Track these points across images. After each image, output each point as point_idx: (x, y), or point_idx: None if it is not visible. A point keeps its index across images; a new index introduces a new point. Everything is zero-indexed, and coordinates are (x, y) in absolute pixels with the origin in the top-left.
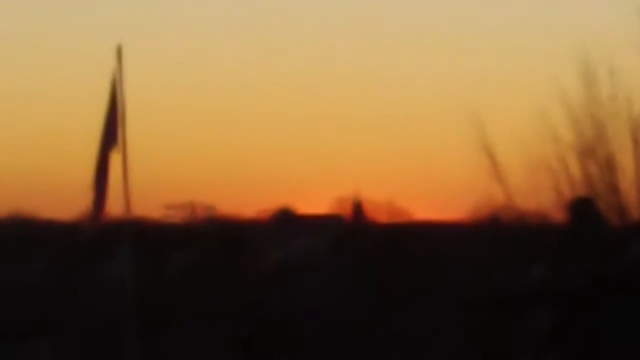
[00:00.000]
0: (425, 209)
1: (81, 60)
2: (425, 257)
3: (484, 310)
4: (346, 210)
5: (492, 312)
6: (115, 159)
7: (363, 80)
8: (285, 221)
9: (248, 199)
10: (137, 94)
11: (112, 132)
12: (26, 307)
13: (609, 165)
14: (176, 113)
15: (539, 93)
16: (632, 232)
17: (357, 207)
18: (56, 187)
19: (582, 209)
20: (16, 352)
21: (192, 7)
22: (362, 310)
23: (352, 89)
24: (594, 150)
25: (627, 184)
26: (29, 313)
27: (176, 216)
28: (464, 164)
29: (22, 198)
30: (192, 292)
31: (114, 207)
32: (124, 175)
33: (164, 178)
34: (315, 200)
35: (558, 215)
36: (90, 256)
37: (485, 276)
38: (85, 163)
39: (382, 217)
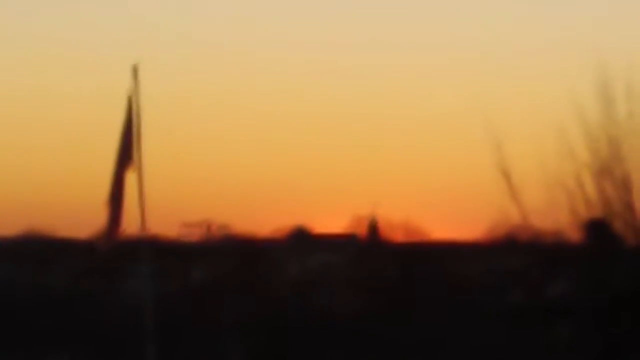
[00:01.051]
0: (442, 227)
1: (98, 79)
2: (441, 275)
3: (503, 325)
4: (362, 229)
5: (510, 327)
6: (131, 177)
7: (380, 99)
8: (301, 240)
9: (264, 217)
10: (153, 113)
11: (128, 151)
12: (46, 321)
13: (625, 185)
14: (192, 132)
15: (556, 112)
16: None
17: (373, 226)
18: (74, 205)
19: (598, 229)
20: None
21: (209, 28)
22: (378, 327)
23: (368, 108)
24: (610, 170)
25: None
26: (49, 327)
27: (192, 234)
28: (481, 182)
29: (39, 216)
30: (210, 307)
31: (131, 224)
32: (140, 193)
33: (180, 196)
34: (332, 219)
35: (573, 234)
36: (109, 272)
37: (502, 293)
38: (102, 181)
39: (398, 236)
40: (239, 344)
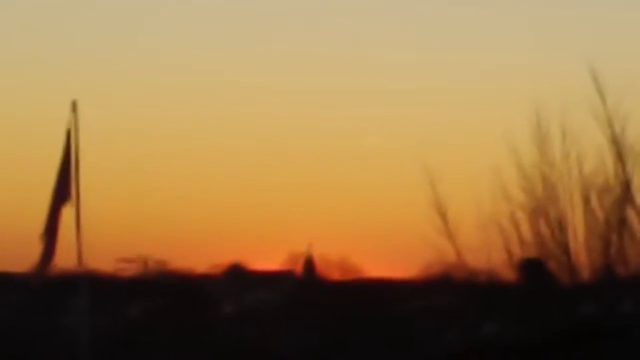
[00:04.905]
0: (378, 265)
1: (37, 114)
2: (377, 313)
3: None
4: (298, 266)
5: None
6: (68, 211)
7: (316, 135)
8: (237, 276)
9: (201, 253)
10: (91, 148)
11: (65, 185)
12: None
13: (560, 225)
14: (130, 167)
15: (492, 152)
16: (582, 291)
17: (309, 264)
18: (10, 238)
19: (533, 268)
20: None
21: (147, 64)
22: None
23: (304, 146)
24: (545, 210)
25: (577, 245)
26: None
27: (128, 269)
28: (417, 221)
29: None
30: (146, 344)
31: (67, 259)
32: (77, 228)
33: (117, 232)
34: (268, 256)
35: (508, 273)
36: (45, 308)
37: (438, 332)
38: (40, 215)
39: (334, 274)
40: None
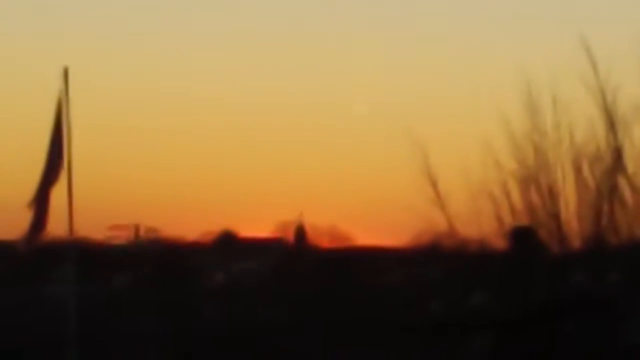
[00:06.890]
0: (368, 234)
1: (28, 81)
2: (366, 282)
3: (424, 335)
4: (288, 234)
5: (432, 338)
6: (60, 180)
7: (306, 104)
8: (228, 244)
9: (191, 221)
10: (82, 116)
11: (57, 153)
12: None
13: (551, 194)
14: (121, 135)
15: (483, 121)
16: (572, 260)
17: (300, 231)
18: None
19: (523, 237)
20: None
21: (138, 30)
22: (302, 334)
23: (295, 113)
24: (536, 179)
25: (568, 213)
26: None
27: (119, 237)
28: (407, 190)
29: None
30: (135, 314)
31: (58, 227)
32: (68, 196)
33: (109, 199)
34: (258, 224)
35: (499, 242)
36: (31, 277)
37: (426, 302)
38: (31, 183)
39: (324, 242)
40: (164, 350)
